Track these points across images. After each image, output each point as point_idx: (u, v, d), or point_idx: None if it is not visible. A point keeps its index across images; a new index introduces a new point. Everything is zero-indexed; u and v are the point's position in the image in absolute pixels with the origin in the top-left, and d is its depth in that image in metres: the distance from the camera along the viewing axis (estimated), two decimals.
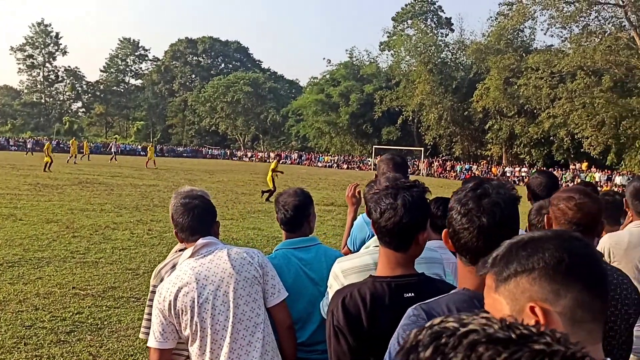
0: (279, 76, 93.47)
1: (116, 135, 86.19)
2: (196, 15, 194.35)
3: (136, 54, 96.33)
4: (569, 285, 0.94)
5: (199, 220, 2.39)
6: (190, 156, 69.54)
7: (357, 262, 2.09)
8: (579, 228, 2.04)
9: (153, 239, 9.91)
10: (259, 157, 70.29)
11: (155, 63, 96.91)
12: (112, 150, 45.15)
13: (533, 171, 43.39)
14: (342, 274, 2.07)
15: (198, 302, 2.23)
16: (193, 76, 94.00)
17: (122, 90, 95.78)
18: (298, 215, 2.67)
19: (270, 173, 18.71)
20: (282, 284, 2.40)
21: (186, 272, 2.29)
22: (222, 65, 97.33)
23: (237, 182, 25.51)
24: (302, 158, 64.48)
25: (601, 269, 0.98)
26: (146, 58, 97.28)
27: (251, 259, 2.37)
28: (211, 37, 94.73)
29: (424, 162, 51.83)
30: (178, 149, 75.40)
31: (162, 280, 2.42)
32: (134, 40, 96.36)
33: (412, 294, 1.75)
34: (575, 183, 38.11)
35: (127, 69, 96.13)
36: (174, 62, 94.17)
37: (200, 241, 2.35)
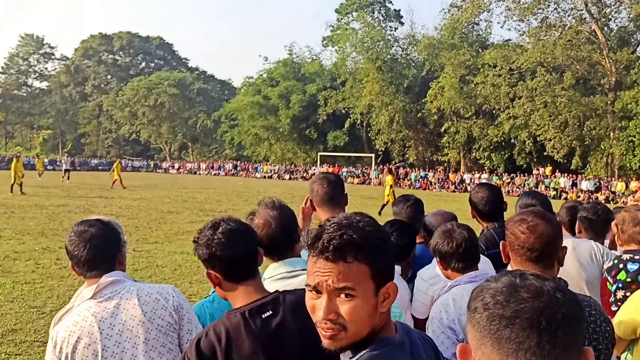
0: (209, 76, 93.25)
1: (18, 147, 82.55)
2: (111, 7, 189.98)
3: (41, 52, 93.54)
4: (482, 338, 1.02)
5: (98, 252, 2.35)
6: (107, 169, 67.34)
7: None
8: (534, 254, 2.12)
9: (62, 270, 9.65)
10: (187, 168, 69.07)
11: (63, 62, 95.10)
12: (64, 167, 40.19)
13: (495, 179, 44.15)
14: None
15: (102, 357, 2.21)
16: (109, 77, 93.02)
17: (25, 94, 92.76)
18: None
19: (388, 189, 21.75)
20: (200, 327, 2.38)
21: (86, 319, 2.24)
22: (143, 64, 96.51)
23: (162, 199, 25.30)
24: (238, 168, 64.01)
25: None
26: (53, 57, 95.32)
27: (165, 301, 2.34)
28: (129, 32, 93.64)
29: (374, 170, 51.95)
30: (92, 161, 73.47)
31: None
32: (37, 36, 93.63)
33: (270, 312, 1.92)
34: (536, 189, 38.93)
35: (30, 70, 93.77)
36: (85, 61, 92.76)
37: (104, 279, 2.31)
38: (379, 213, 19.82)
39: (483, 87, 45.12)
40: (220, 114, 72.38)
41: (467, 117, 48.12)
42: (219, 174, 64.06)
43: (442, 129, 49.94)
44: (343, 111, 57.09)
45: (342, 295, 1.36)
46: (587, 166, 43.42)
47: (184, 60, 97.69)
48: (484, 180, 44.57)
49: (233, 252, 1.98)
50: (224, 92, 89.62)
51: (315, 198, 3.10)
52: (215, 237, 1.99)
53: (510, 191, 41.35)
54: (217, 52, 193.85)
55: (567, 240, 3.12)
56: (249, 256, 2.02)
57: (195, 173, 65.96)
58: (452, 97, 46.66)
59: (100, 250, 2.37)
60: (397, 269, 2.95)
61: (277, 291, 2.01)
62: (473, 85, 46.30)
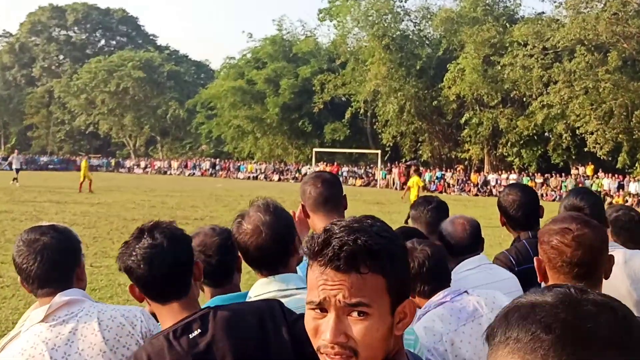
0: (182, 56, 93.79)
1: None
2: None
3: None
4: None
5: (51, 266, 2.38)
6: (60, 168, 67.56)
7: None
8: (582, 270, 2.14)
9: (4, 290, 9.75)
10: (156, 167, 69.09)
11: (6, 40, 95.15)
12: (14, 166, 38.42)
13: (525, 180, 44.06)
14: None
15: None
16: (61, 57, 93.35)
17: None
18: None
19: (415, 192, 22.54)
20: None
21: (36, 346, 2.25)
22: (102, 41, 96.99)
23: (125, 204, 25.38)
24: (217, 168, 64.06)
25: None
26: None
27: (132, 327, 2.36)
28: (85, 4, 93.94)
29: (381, 169, 51.87)
30: (42, 158, 73.65)
31: None
32: None
33: (198, 330, 2.01)
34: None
35: None
36: (33, 39, 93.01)
37: (58, 299, 2.32)
38: (406, 222, 20.09)
39: (511, 70, 45.16)
40: (195, 102, 72.90)
41: (492, 106, 48.31)
42: (194, 174, 64.22)
43: (462, 120, 50.12)
44: (343, 99, 57.08)
45: (354, 314, 1.34)
46: (637, 165, 43.31)
47: (151, 38, 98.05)
48: (512, 181, 44.57)
49: (152, 272, 2.07)
50: (199, 75, 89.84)
51: (308, 202, 3.14)
52: (134, 252, 2.09)
53: (544, 195, 41.27)
54: (192, 27, 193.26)
55: (618, 252, 3.20)
56: (175, 275, 2.11)
57: (165, 173, 66.15)
58: (474, 81, 46.76)
59: (55, 264, 2.40)
60: None
61: (207, 307, 2.11)
62: (499, 68, 46.35)
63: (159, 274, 2.08)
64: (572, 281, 2.08)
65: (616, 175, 42.10)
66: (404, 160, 54.72)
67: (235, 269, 2.84)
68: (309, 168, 56.32)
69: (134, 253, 2.09)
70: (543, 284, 2.19)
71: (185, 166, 67.31)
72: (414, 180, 24.38)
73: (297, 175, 57.22)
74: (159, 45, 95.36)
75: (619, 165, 43.44)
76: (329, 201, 3.11)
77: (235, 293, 2.78)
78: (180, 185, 42.46)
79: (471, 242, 3.45)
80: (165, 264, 2.08)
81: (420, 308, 2.77)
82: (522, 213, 3.75)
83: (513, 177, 45.55)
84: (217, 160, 67.31)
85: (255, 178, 59.10)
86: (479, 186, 46.42)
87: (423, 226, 3.82)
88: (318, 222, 3.08)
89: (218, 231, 2.84)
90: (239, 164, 63.85)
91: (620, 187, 40.85)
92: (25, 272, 2.40)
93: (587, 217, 2.28)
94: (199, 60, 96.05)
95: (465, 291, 2.83)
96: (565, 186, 42.38)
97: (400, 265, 1.40)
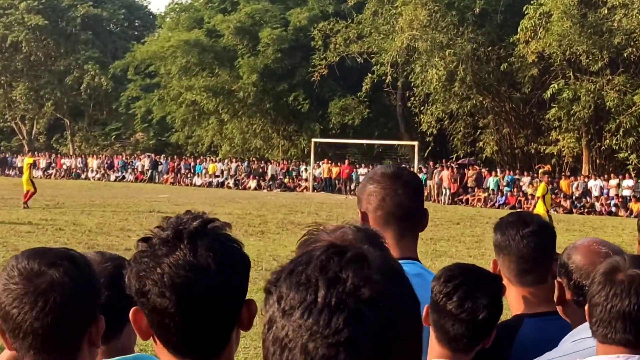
0: None
1: None
2: None
3: None
4: None
5: (57, 319, 2.40)
6: None
7: None
8: None
9: None
10: (64, 167, 68.63)
11: None
12: None
13: None
14: None
15: None
16: None
17: None
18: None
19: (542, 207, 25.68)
20: None
21: None
22: None
23: (15, 228, 25.43)
24: (161, 169, 63.65)
25: None
26: None
27: None
28: None
29: (419, 171, 51.74)
30: None
31: None
32: None
33: None
34: None
35: None
36: None
37: None
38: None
39: (625, 15, 45.04)
40: (125, 65, 72.90)
41: (596, 72, 48.28)
42: (124, 178, 64.14)
43: (548, 94, 49.95)
44: (360, 60, 56.84)
45: None
46: None
47: None
48: (626, 189, 44.55)
49: (180, 307, 2.09)
50: (132, 23, 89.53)
51: (377, 212, 3.33)
52: (160, 269, 2.10)
53: None
54: None
55: None
56: (216, 318, 2.13)
57: (78, 177, 66.05)
58: (567, 32, 46.85)
59: (63, 316, 2.41)
60: None
61: None
62: (606, 11, 46.31)
63: (194, 317, 2.10)
64: None
65: None
66: (454, 157, 54.54)
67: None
68: (306, 169, 56.05)
69: (158, 270, 2.09)
70: None
71: (111, 167, 67.05)
72: (540, 188, 25.88)
73: (286, 181, 56.88)
74: None
75: None
76: (410, 217, 3.31)
77: (130, 356, 2.87)
78: (102, 197, 42.54)
79: None
80: (209, 302, 2.10)
81: None
82: None
83: (628, 183, 45.42)
84: (161, 157, 67.03)
85: (221, 185, 58.87)
86: (574, 198, 46.19)
87: (514, 259, 3.80)
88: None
89: (108, 257, 2.96)
90: (195, 164, 63.57)
91: None
92: (13, 321, 2.40)
93: None
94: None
95: None
96: None
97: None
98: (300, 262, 1.47)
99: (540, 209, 25.93)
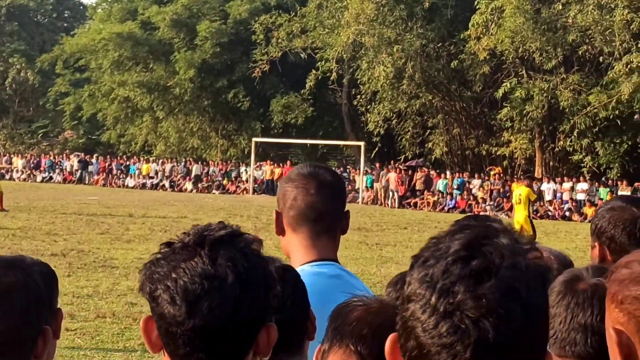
0: None
1: None
2: None
3: None
4: None
5: (4, 328, 2.49)
6: None
7: None
8: None
9: None
10: None
11: None
12: None
13: (603, 191, 43.90)
14: None
15: None
16: None
17: None
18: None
19: (522, 214, 25.65)
20: None
21: None
22: None
23: None
24: (91, 169, 63.17)
25: None
26: None
27: None
28: None
29: (365, 173, 51.41)
30: None
31: None
32: None
33: None
34: None
35: None
36: None
37: None
38: None
39: (580, 11, 45.16)
40: (54, 59, 73.61)
41: (549, 70, 48.90)
42: (52, 178, 63.56)
43: (500, 93, 50.33)
44: (302, 56, 56.63)
45: None
46: None
47: None
48: (581, 193, 44.59)
49: (193, 322, 2.08)
50: (62, 14, 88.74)
51: (290, 212, 3.42)
52: (176, 278, 2.10)
53: None
54: None
55: None
56: (231, 338, 2.11)
57: (2, 177, 64.86)
58: (519, 29, 47.15)
59: (12, 324, 2.48)
60: None
61: None
62: (560, 7, 46.57)
63: (203, 329, 2.05)
64: None
65: None
66: (402, 158, 54.43)
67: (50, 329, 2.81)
68: (246, 170, 55.66)
69: (172, 275, 2.06)
70: None
71: (37, 166, 66.28)
72: (522, 192, 26.20)
73: (224, 182, 56.45)
74: None
75: None
76: (323, 218, 3.37)
77: None
78: (27, 198, 42.40)
79: None
80: (221, 316, 2.05)
81: None
82: None
83: (582, 186, 45.48)
84: (91, 156, 66.34)
85: (155, 187, 58.33)
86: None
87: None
88: (297, 245, 3.39)
89: (29, 262, 2.83)
90: (128, 163, 62.95)
91: None
92: None
93: None
94: None
95: None
96: None
97: None
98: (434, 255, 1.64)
99: (520, 216, 26.06)
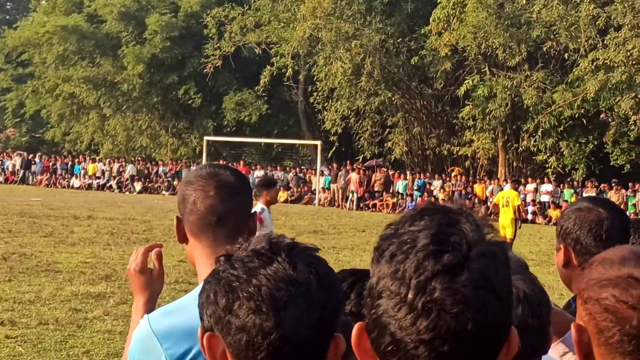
0: None
1: None
2: None
3: None
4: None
5: None
6: None
7: None
8: None
9: None
10: None
11: None
12: None
13: (567, 193, 44.02)
14: None
15: None
16: None
17: None
18: None
19: (508, 218, 26.52)
20: None
21: None
22: None
23: None
24: (34, 169, 62.62)
25: None
26: None
27: None
28: None
29: (322, 173, 51.26)
30: None
31: None
32: None
33: None
34: None
35: None
36: None
37: None
38: None
39: (545, 6, 45.39)
40: None
41: (513, 67, 49.14)
42: None
43: (462, 91, 50.63)
44: (257, 51, 56.50)
45: None
46: None
47: None
48: (545, 194, 44.69)
49: (283, 333, 2.09)
50: (3, 5, 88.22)
51: (190, 217, 3.33)
52: (258, 284, 2.10)
53: None
54: None
55: None
56: (313, 347, 2.11)
57: None
58: (482, 23, 47.61)
59: None
60: None
61: None
62: (524, 2, 46.62)
63: (290, 339, 2.03)
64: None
65: None
66: (361, 158, 54.38)
67: None
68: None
69: (253, 282, 2.04)
70: None
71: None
72: (508, 195, 26.91)
73: (174, 182, 56.22)
74: None
75: None
76: (225, 221, 3.27)
77: None
78: None
79: None
80: (309, 323, 2.04)
81: None
82: (610, 242, 3.76)
83: (547, 187, 45.62)
84: (35, 155, 65.73)
85: (102, 188, 57.85)
86: (489, 203, 46.14)
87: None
88: (201, 253, 3.30)
89: None
90: (72, 163, 62.37)
91: None
92: None
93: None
94: None
95: None
96: (633, 205, 42.73)
97: None
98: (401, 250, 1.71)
99: (506, 220, 26.64)
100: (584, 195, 41.70)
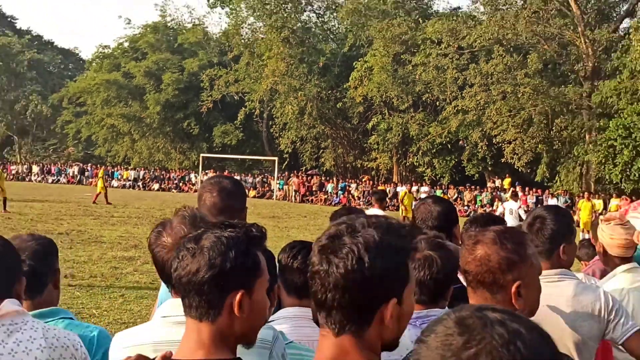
0: (47, 42, 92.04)
1: None
2: None
3: None
4: None
5: None
6: None
7: (145, 337, 2.43)
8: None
9: None
10: (12, 172, 66.26)
11: None
12: None
13: (439, 193, 44.73)
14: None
15: None
16: None
17: None
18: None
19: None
20: None
21: None
22: None
23: None
24: (87, 174, 62.38)
25: None
26: None
27: (74, 350, 2.51)
28: None
29: (278, 179, 51.61)
30: None
31: None
32: None
33: None
34: (493, 210, 39.33)
35: None
36: None
37: (9, 305, 2.40)
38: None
39: (424, 70, 45.79)
40: (61, 97, 71.59)
41: (403, 110, 49.02)
42: (59, 180, 62.53)
43: (370, 125, 50.92)
44: (236, 98, 56.95)
45: None
46: (556, 178, 44.38)
47: (9, 20, 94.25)
48: (424, 194, 45.16)
49: None
50: (67, 66, 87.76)
51: (202, 209, 3.23)
52: None
53: (459, 209, 41.92)
54: (58, 9, 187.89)
55: (569, 283, 3.53)
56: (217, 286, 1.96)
57: (23, 179, 63.71)
58: (383, 82, 47.43)
59: None
60: None
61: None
62: (410, 67, 47.10)
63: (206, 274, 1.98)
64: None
65: (535, 190, 41.48)
66: (304, 169, 54.71)
67: (51, 283, 2.99)
68: (195, 176, 55.44)
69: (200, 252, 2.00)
70: None
71: (49, 171, 65.06)
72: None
73: (180, 184, 56.22)
74: (19, 29, 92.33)
75: (537, 178, 44.30)
76: (222, 213, 3.21)
77: (49, 309, 2.94)
78: (41, 194, 41.54)
79: None
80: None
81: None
82: (438, 225, 3.96)
83: (425, 189, 46.07)
84: (88, 165, 65.51)
85: (132, 187, 57.79)
86: (387, 198, 46.85)
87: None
88: None
89: (36, 237, 3.02)
90: (113, 170, 62.28)
91: (539, 202, 39.89)
92: None
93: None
94: (66, 47, 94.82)
95: None
96: (480, 200, 42.92)
97: None
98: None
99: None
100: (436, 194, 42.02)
